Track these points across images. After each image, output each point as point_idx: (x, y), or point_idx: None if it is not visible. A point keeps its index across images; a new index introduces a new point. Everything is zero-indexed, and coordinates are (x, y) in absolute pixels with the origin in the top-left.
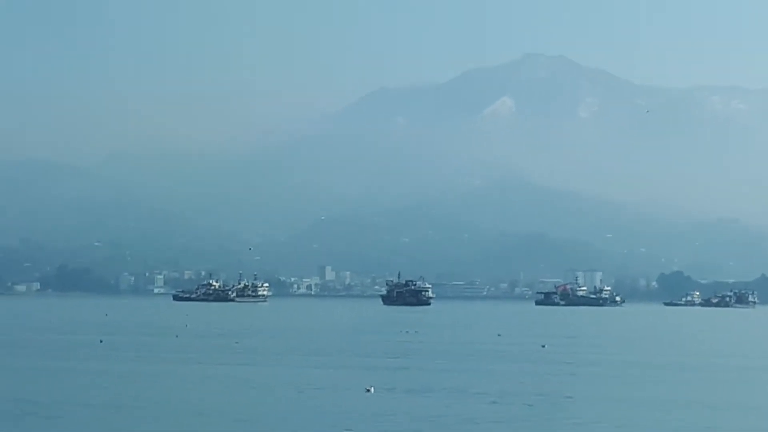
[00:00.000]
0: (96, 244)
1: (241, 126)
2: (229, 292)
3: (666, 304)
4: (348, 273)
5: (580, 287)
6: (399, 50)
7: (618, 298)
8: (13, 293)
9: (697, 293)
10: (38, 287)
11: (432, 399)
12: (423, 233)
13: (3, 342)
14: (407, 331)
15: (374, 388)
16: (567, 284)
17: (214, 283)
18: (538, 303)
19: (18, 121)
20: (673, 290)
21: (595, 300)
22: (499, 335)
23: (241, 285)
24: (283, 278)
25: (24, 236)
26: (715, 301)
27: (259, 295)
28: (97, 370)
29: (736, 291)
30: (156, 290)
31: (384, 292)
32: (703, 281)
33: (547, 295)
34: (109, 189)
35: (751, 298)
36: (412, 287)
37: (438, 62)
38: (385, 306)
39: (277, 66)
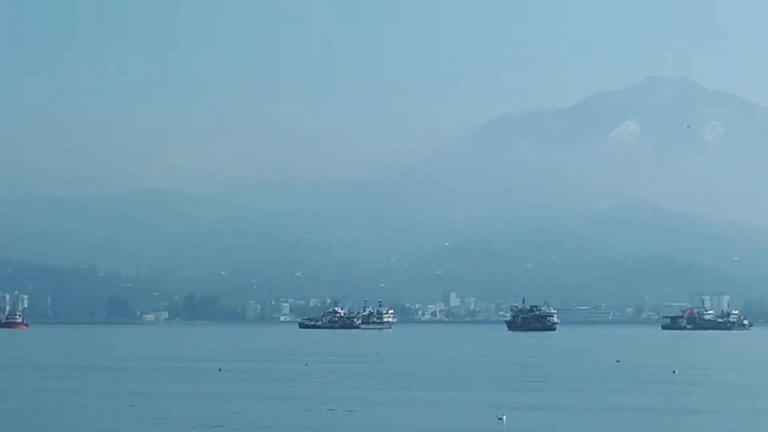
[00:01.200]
0: (222, 273)
1: (365, 154)
2: (355, 319)
3: None
4: (472, 299)
5: (707, 311)
6: (522, 76)
7: (746, 322)
8: (142, 322)
9: None
10: (166, 316)
11: (562, 424)
12: (547, 258)
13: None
14: (532, 357)
15: (506, 417)
16: (694, 308)
17: (340, 311)
18: (664, 327)
19: (143, 152)
20: None
21: (723, 324)
22: (617, 361)
23: (366, 312)
24: (407, 305)
25: (152, 266)
26: None
27: (384, 322)
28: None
29: None
30: (282, 318)
31: (509, 317)
32: None
33: (674, 319)
34: (235, 217)
35: None
36: (537, 312)
37: (561, 87)
38: (509, 332)
39: (399, 93)
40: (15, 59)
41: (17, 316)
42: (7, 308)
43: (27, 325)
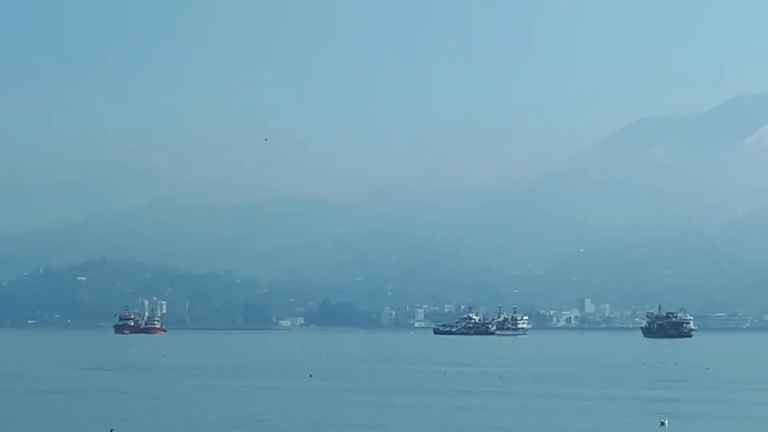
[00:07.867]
0: (357, 279)
1: (500, 160)
2: (489, 326)
3: None
4: (607, 305)
5: None
6: (659, 80)
7: None
8: (278, 328)
9: None
10: (302, 322)
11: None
12: (684, 264)
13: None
14: (662, 364)
15: (668, 421)
16: None
17: (475, 317)
18: None
19: (282, 160)
20: None
21: None
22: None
23: (501, 318)
24: (542, 311)
25: (289, 272)
26: None
27: (519, 328)
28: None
29: None
30: (416, 324)
31: (644, 324)
32: None
33: None
34: (370, 224)
35: None
36: (673, 319)
37: (699, 91)
38: (645, 338)
39: (534, 100)
40: (153, 68)
41: (156, 322)
42: (146, 314)
43: (165, 331)
